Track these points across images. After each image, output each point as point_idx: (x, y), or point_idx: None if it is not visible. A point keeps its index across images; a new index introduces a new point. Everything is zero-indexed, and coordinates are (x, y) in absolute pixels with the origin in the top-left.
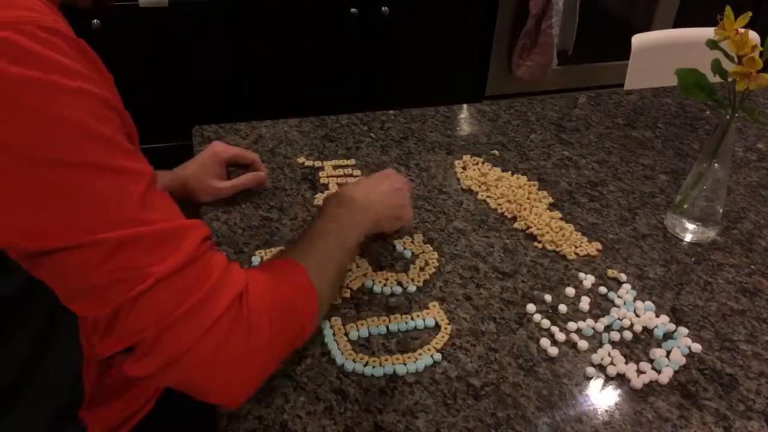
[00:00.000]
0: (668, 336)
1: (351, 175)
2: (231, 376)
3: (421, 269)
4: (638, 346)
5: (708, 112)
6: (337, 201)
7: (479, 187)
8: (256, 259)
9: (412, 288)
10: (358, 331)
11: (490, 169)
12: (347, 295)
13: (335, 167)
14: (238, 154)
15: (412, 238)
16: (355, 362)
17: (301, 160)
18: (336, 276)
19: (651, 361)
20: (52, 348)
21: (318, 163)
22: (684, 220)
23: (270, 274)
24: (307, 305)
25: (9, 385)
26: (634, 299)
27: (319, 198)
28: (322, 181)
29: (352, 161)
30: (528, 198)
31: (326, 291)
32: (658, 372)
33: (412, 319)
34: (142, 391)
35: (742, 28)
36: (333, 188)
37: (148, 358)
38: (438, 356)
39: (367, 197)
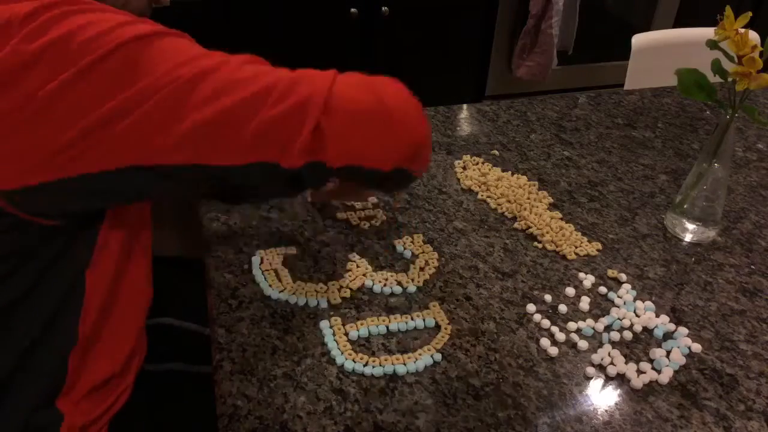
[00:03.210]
0: (668, 336)
1: None
2: (384, 101)
3: (421, 269)
4: (638, 346)
5: (708, 112)
6: None
7: (479, 187)
8: (255, 260)
9: (412, 288)
10: (358, 331)
11: (490, 169)
12: (347, 295)
13: None
14: None
15: (412, 238)
16: (355, 362)
17: None
18: None
19: (651, 361)
20: (53, 336)
21: None
22: (684, 220)
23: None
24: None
25: (5, 373)
26: (634, 299)
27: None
28: None
29: None
30: (528, 198)
31: None
32: (658, 372)
33: (412, 319)
34: (118, 381)
35: (742, 28)
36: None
37: (303, 114)
38: (438, 356)
39: None
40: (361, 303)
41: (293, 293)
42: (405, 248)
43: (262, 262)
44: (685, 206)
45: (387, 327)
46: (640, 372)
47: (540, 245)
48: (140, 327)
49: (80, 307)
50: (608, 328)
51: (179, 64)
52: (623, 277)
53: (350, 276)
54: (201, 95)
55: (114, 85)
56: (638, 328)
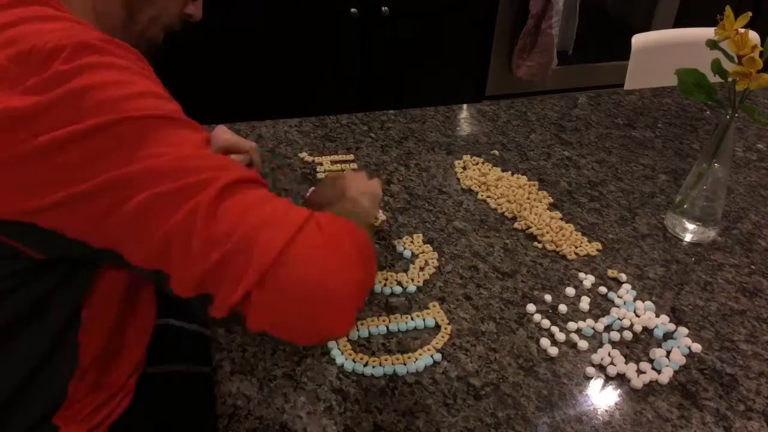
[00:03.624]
0: (668, 336)
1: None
2: (329, 283)
3: (421, 269)
4: (638, 346)
5: (708, 112)
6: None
7: (479, 187)
8: None
9: (412, 288)
10: (358, 331)
11: (490, 169)
12: None
13: (334, 162)
14: (231, 144)
15: (412, 238)
16: (355, 362)
17: (302, 154)
18: None
19: (651, 361)
20: (53, 361)
21: (317, 158)
22: (684, 220)
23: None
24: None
25: (6, 393)
26: (634, 299)
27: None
28: (319, 176)
29: (351, 156)
30: (528, 198)
31: None
32: (658, 372)
33: (412, 319)
34: (113, 392)
35: (742, 28)
36: None
37: (242, 276)
38: (438, 356)
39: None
40: None
41: None
42: (405, 248)
43: None
44: (685, 206)
45: (387, 327)
46: (640, 372)
47: (540, 245)
48: (143, 348)
49: (76, 337)
50: (608, 328)
51: (179, 166)
52: (623, 277)
53: None
54: (184, 214)
55: (110, 158)
56: (638, 328)
